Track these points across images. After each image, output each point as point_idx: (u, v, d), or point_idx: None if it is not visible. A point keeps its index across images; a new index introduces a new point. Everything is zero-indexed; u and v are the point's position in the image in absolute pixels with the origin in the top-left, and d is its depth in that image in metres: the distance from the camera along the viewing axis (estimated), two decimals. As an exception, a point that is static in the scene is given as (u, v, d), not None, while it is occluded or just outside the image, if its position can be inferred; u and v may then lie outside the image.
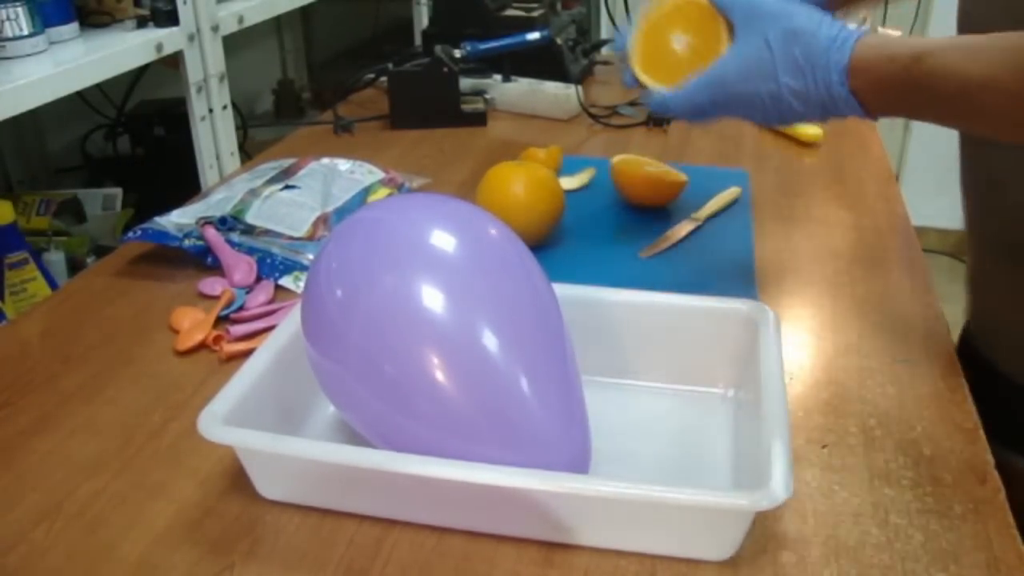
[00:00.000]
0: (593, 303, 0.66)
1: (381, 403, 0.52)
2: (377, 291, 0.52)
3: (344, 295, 0.53)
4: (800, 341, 0.73)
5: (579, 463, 0.53)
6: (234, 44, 1.22)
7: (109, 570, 0.51)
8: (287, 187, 0.93)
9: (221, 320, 0.76)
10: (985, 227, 0.75)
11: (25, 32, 0.93)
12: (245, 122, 1.46)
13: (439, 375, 0.50)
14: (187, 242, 0.85)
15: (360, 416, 0.54)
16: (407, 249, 0.53)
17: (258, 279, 0.83)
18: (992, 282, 0.75)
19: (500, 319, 0.52)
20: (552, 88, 1.30)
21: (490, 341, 0.51)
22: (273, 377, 0.59)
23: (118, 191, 1.31)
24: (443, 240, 0.54)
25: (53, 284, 1.01)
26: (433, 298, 0.51)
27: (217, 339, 0.73)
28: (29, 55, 0.94)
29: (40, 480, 0.59)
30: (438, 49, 1.23)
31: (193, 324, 0.75)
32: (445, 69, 1.22)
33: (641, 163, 0.97)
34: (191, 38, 1.11)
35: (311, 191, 0.92)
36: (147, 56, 1.05)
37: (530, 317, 0.54)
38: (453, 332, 0.51)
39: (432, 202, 0.59)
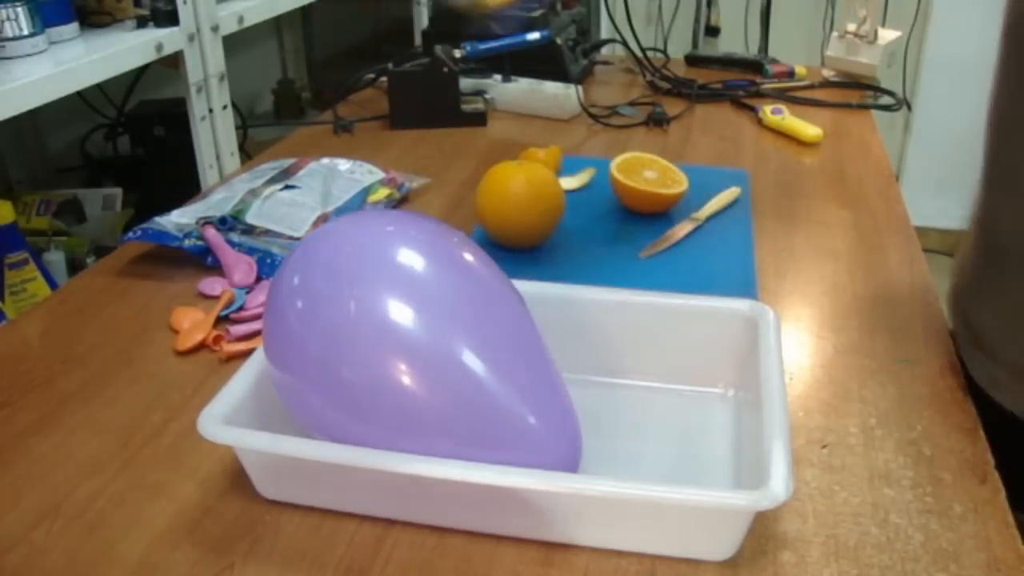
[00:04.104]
0: (593, 303, 0.66)
1: (350, 417, 0.51)
2: (339, 306, 0.51)
3: (305, 308, 0.52)
4: (800, 341, 0.74)
5: (569, 455, 0.53)
6: (234, 44, 1.22)
7: (109, 570, 0.51)
8: (287, 187, 0.93)
9: (221, 320, 0.76)
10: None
11: (25, 32, 0.93)
12: (245, 122, 1.46)
13: (407, 382, 0.50)
14: (187, 242, 0.85)
15: (334, 436, 0.53)
16: (367, 261, 0.52)
17: (258, 279, 0.83)
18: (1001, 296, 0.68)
19: (465, 321, 0.52)
20: (552, 88, 1.30)
21: (455, 344, 0.50)
22: (273, 377, 0.59)
23: (118, 191, 1.31)
24: (402, 251, 0.53)
25: (53, 284, 1.02)
26: (396, 308, 0.50)
27: (217, 339, 0.73)
28: (29, 55, 0.94)
29: (40, 480, 0.59)
30: (438, 49, 1.23)
31: (193, 324, 0.75)
32: (445, 69, 1.22)
33: (641, 165, 0.97)
34: (191, 38, 1.11)
35: (311, 191, 0.93)
36: (147, 56, 1.05)
37: (495, 318, 0.53)
38: (418, 338, 0.50)
39: (391, 216, 0.58)
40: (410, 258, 0.53)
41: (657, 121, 1.25)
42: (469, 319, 0.52)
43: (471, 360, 0.51)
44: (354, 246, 0.53)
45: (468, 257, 0.56)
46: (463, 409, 0.51)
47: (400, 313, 0.50)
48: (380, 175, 1.00)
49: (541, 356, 0.55)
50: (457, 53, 1.24)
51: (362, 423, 0.51)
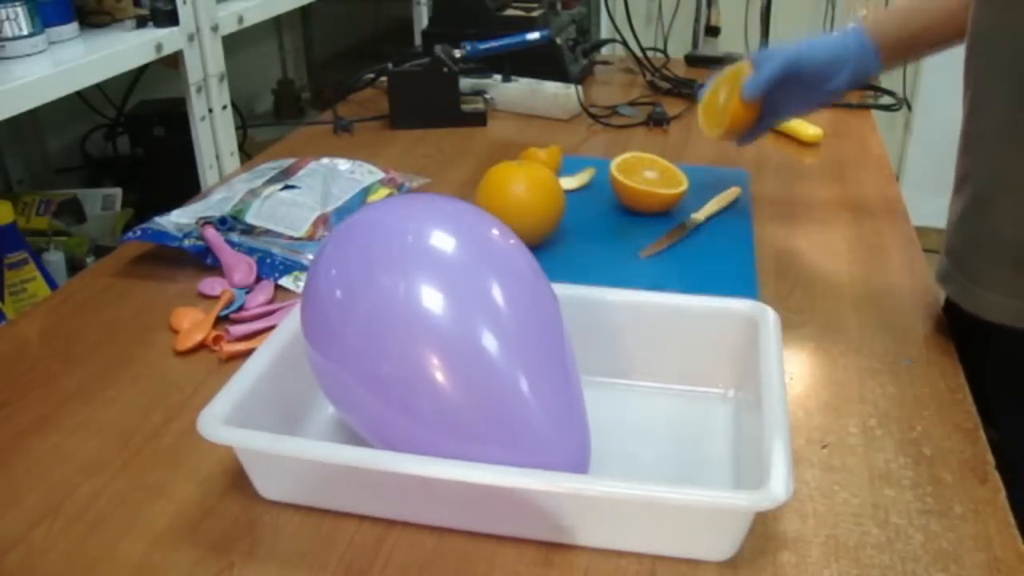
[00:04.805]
0: (593, 303, 0.66)
1: (380, 403, 0.52)
2: (376, 292, 0.52)
3: (343, 296, 0.53)
4: (800, 341, 0.73)
5: (579, 463, 0.53)
6: (234, 44, 1.22)
7: (109, 570, 0.51)
8: (287, 187, 0.93)
9: (221, 320, 0.76)
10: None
11: (25, 32, 0.93)
12: (245, 122, 1.46)
13: (438, 375, 0.50)
14: (187, 242, 0.85)
15: (361, 418, 0.54)
16: (406, 250, 0.53)
17: (258, 279, 0.83)
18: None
19: (499, 319, 0.52)
20: (552, 88, 1.30)
21: (489, 341, 0.51)
22: (273, 377, 0.59)
23: (118, 191, 1.31)
24: (443, 241, 0.54)
25: (53, 284, 1.01)
26: (432, 298, 0.51)
27: (217, 339, 0.73)
28: (29, 55, 0.94)
29: (40, 480, 0.59)
30: (438, 49, 1.23)
31: (193, 324, 0.75)
32: (445, 69, 1.22)
33: (641, 165, 0.97)
34: (191, 38, 1.11)
35: (311, 191, 0.92)
36: (147, 56, 1.04)
37: (530, 318, 0.54)
38: (452, 332, 0.51)
39: (432, 203, 0.58)
40: (448, 249, 0.53)
41: (657, 121, 1.25)
42: (503, 317, 0.52)
43: (499, 359, 0.51)
44: (393, 236, 0.54)
45: (507, 250, 0.56)
46: (485, 406, 0.51)
47: (435, 306, 0.51)
48: (380, 175, 1.00)
49: (566, 360, 0.55)
50: (457, 53, 1.24)
51: (392, 410, 0.52)
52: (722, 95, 0.92)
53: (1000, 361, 0.73)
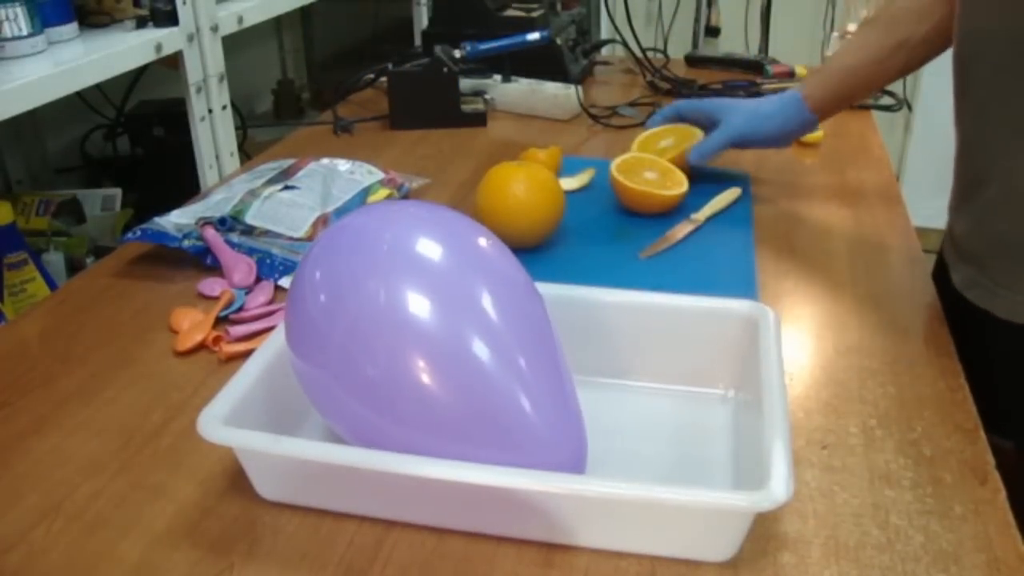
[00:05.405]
0: (593, 303, 0.66)
1: (370, 410, 0.52)
2: (362, 296, 0.51)
3: (328, 300, 0.52)
4: (800, 341, 0.73)
5: (575, 464, 0.53)
6: (234, 44, 1.22)
7: (109, 570, 0.51)
8: (287, 187, 0.93)
9: (220, 321, 0.76)
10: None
11: (24, 32, 0.93)
12: (245, 122, 1.46)
13: (427, 378, 0.50)
14: (186, 242, 0.85)
15: (350, 425, 0.53)
16: (392, 254, 0.53)
17: (257, 280, 0.83)
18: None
19: (487, 321, 0.52)
20: (552, 88, 1.30)
21: (478, 343, 0.51)
22: (272, 378, 0.58)
23: (117, 191, 1.31)
24: (427, 245, 0.53)
25: (52, 284, 1.01)
26: (419, 302, 0.51)
27: (216, 340, 0.73)
28: (28, 55, 0.94)
29: (39, 480, 0.59)
30: (438, 49, 1.23)
31: (192, 325, 0.75)
32: (445, 69, 1.22)
33: (641, 166, 0.97)
34: (190, 38, 1.11)
35: (311, 191, 0.92)
36: (146, 56, 1.04)
37: (517, 318, 0.53)
38: (440, 335, 0.50)
39: (417, 209, 0.58)
40: (433, 254, 0.53)
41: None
42: (490, 318, 0.52)
43: (489, 360, 0.51)
44: (376, 240, 0.53)
45: (492, 253, 0.56)
46: (476, 408, 0.51)
47: (421, 309, 0.51)
48: (380, 175, 1.00)
49: (556, 359, 0.55)
50: (457, 53, 1.24)
51: (381, 416, 0.51)
52: (667, 140, 1.03)
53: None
